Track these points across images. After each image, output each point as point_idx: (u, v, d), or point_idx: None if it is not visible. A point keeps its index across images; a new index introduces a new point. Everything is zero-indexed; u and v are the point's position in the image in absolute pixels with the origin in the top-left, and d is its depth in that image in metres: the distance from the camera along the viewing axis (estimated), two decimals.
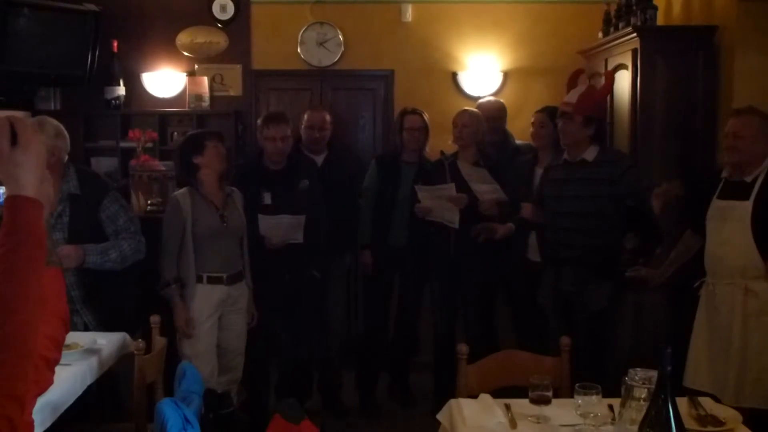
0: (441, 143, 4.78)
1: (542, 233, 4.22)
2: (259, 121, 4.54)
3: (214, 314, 3.96)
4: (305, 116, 4.79)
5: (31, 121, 1.45)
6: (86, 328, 3.60)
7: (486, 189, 4.42)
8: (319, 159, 4.74)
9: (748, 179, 3.54)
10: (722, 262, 3.59)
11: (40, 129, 3.66)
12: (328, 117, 4.81)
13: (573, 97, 3.89)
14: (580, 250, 3.84)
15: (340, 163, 4.82)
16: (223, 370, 4.04)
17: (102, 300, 3.68)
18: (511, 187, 4.48)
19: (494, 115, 5.07)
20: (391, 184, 4.74)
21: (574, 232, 3.90)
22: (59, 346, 1.74)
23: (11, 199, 1.47)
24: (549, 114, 4.55)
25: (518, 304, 4.76)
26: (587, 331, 3.79)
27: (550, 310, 4.07)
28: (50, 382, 1.67)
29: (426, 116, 4.79)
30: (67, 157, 3.69)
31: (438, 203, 4.47)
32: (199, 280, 3.93)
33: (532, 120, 4.67)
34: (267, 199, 4.28)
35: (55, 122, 3.64)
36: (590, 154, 3.90)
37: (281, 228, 4.19)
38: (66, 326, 1.79)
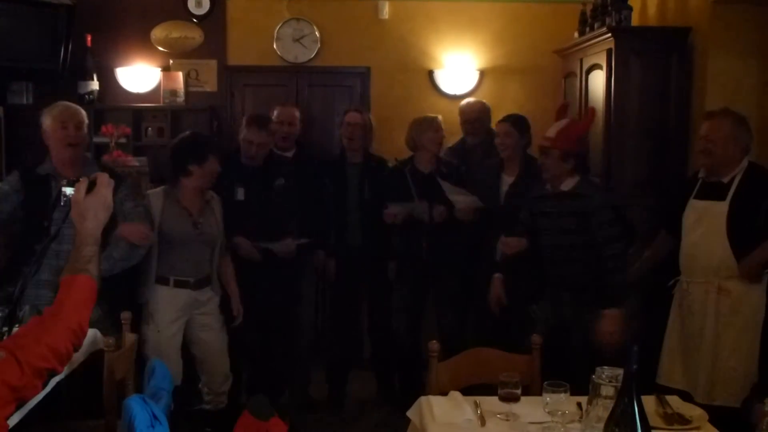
0: None
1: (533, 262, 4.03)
2: (244, 119, 4.50)
3: (180, 318, 3.90)
4: (275, 111, 4.76)
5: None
6: None
7: (465, 200, 4.40)
8: (288, 156, 4.71)
9: (725, 180, 3.56)
10: (696, 261, 3.61)
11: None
12: (297, 113, 4.80)
13: (552, 132, 3.84)
14: (575, 280, 3.76)
15: (308, 161, 4.79)
16: (208, 374, 4.01)
17: None
18: (477, 194, 4.46)
19: (477, 117, 5.06)
20: (337, 186, 4.70)
21: (566, 264, 3.80)
22: (61, 358, 1.74)
23: (69, 279, 1.87)
24: (513, 123, 4.50)
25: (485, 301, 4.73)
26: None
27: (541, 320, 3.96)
28: (37, 391, 1.67)
29: (371, 117, 4.78)
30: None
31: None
32: (165, 282, 3.87)
33: (496, 130, 4.62)
34: (240, 194, 4.27)
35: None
36: (567, 184, 3.76)
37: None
38: (77, 338, 1.80)
